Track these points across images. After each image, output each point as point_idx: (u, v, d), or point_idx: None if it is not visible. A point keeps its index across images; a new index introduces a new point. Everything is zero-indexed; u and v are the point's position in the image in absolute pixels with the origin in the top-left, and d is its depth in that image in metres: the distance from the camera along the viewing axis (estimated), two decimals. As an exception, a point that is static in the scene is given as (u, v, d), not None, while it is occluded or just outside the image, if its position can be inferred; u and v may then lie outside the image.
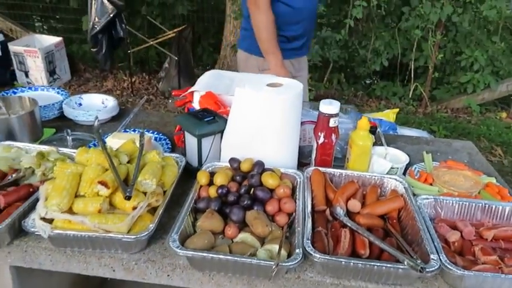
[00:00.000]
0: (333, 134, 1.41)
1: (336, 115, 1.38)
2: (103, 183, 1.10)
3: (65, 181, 1.11)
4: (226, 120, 1.42)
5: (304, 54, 2.37)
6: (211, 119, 1.42)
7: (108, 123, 1.87)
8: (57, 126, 1.79)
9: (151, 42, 4.67)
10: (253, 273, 1.06)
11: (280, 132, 1.37)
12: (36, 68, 4.89)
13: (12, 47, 4.84)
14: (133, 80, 5.14)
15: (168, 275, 1.12)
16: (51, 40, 5.08)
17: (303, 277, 1.08)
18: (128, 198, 1.08)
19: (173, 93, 1.79)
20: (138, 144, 1.32)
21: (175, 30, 4.69)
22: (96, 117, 1.26)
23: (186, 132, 1.45)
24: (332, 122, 1.39)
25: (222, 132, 1.43)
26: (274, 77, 1.47)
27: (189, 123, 1.41)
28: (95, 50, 4.80)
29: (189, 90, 1.67)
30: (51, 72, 5.01)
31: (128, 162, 1.26)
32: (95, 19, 4.59)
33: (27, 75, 4.97)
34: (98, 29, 4.60)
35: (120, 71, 5.46)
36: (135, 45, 4.96)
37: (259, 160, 1.32)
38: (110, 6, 4.52)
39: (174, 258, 1.12)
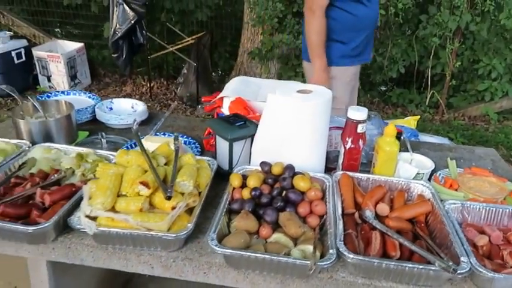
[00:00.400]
0: (360, 140, 1.45)
1: (363, 121, 1.42)
2: (144, 184, 1.16)
3: (108, 181, 1.17)
4: (256, 125, 1.47)
5: (365, 60, 2.43)
6: (243, 123, 1.47)
7: (138, 127, 1.93)
8: (89, 129, 1.86)
9: (171, 49, 4.76)
10: (287, 272, 1.10)
11: (309, 137, 1.42)
12: (58, 73, 5.03)
13: (36, 52, 4.99)
14: (151, 85, 5.24)
15: (205, 273, 1.17)
16: (73, 46, 5.22)
17: (336, 277, 1.11)
18: (169, 198, 1.13)
19: (203, 99, 1.85)
20: (172, 147, 1.37)
21: (194, 36, 4.78)
22: (135, 120, 1.32)
23: (217, 136, 1.50)
24: (360, 128, 1.43)
25: (252, 136, 1.48)
26: (305, 84, 1.52)
27: (221, 128, 1.46)
28: (115, 55, 4.92)
29: (219, 96, 1.73)
30: (72, 76, 5.14)
31: (165, 164, 1.31)
32: (116, 26, 4.71)
33: (49, 80, 5.11)
34: (119, 35, 4.72)
35: (138, 76, 5.57)
36: (153, 51, 5.07)
37: (290, 164, 1.36)
38: (131, 13, 4.63)
39: (210, 257, 1.17)
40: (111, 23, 4.73)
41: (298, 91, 1.43)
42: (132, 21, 4.66)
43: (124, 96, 5.16)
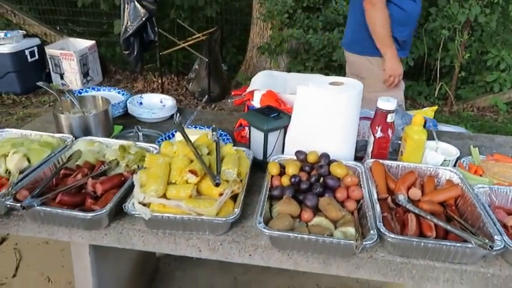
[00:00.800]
0: (389, 129, 1.52)
1: (393, 111, 1.49)
2: (193, 172, 1.23)
3: (159, 170, 1.24)
4: (290, 116, 1.54)
5: (404, 55, 2.50)
6: (276, 115, 1.54)
7: (167, 121, 2.01)
8: (122, 123, 1.93)
9: (183, 45, 4.82)
10: (331, 253, 1.17)
11: (341, 127, 1.49)
12: (71, 70, 5.10)
13: (49, 50, 5.06)
14: (162, 81, 5.31)
15: (250, 255, 1.24)
16: (84, 43, 5.29)
17: (375, 256, 1.19)
18: (217, 185, 1.21)
19: (232, 93, 1.92)
20: (211, 138, 1.45)
21: (205, 32, 4.84)
22: (177, 113, 1.39)
23: (251, 128, 1.57)
24: (389, 118, 1.50)
25: (285, 127, 1.55)
26: (333, 77, 1.58)
27: (256, 119, 1.53)
28: (126, 52, 4.98)
29: (249, 90, 1.79)
30: (84, 74, 5.21)
31: (207, 154, 1.38)
32: (127, 23, 4.77)
33: (62, 77, 5.18)
34: (130, 32, 4.78)
35: (149, 72, 5.64)
36: (163, 48, 5.12)
37: (325, 152, 1.44)
38: (142, 10, 4.69)
39: (255, 240, 1.24)
40: (122, 20, 4.79)
41: (330, 83, 1.50)
42: (143, 18, 4.72)
43: (136, 93, 5.23)
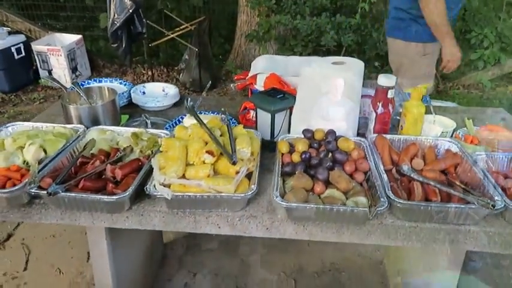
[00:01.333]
0: (389, 104, 1.59)
1: (392, 87, 1.57)
2: (210, 153, 1.29)
3: (177, 152, 1.30)
4: (294, 97, 1.60)
5: None
6: (282, 96, 1.60)
7: (171, 109, 2.06)
8: (128, 113, 1.97)
9: (173, 35, 4.82)
10: (344, 221, 1.25)
11: (344, 105, 1.55)
12: (59, 66, 5.05)
13: (35, 47, 5.00)
14: (152, 72, 5.30)
15: (267, 228, 1.31)
16: (71, 38, 5.24)
17: (385, 223, 1.27)
18: (234, 163, 1.27)
19: (235, 78, 1.97)
20: (222, 121, 1.51)
21: (194, 22, 4.85)
22: (188, 99, 1.44)
23: (258, 109, 1.63)
24: (389, 94, 1.57)
25: (291, 108, 1.61)
26: (333, 57, 1.64)
27: (262, 101, 1.59)
28: (115, 45, 4.94)
29: (251, 74, 1.85)
30: (73, 69, 5.17)
31: (220, 135, 1.44)
32: (114, 16, 4.73)
33: (50, 73, 5.12)
34: (117, 25, 4.74)
35: (138, 65, 5.62)
36: (150, 39, 5.10)
37: (331, 129, 1.51)
38: (128, 2, 4.65)
39: (272, 214, 1.31)
40: (109, 13, 4.75)
41: (333, 63, 1.56)
42: (130, 10, 4.68)
43: (126, 86, 5.21)
